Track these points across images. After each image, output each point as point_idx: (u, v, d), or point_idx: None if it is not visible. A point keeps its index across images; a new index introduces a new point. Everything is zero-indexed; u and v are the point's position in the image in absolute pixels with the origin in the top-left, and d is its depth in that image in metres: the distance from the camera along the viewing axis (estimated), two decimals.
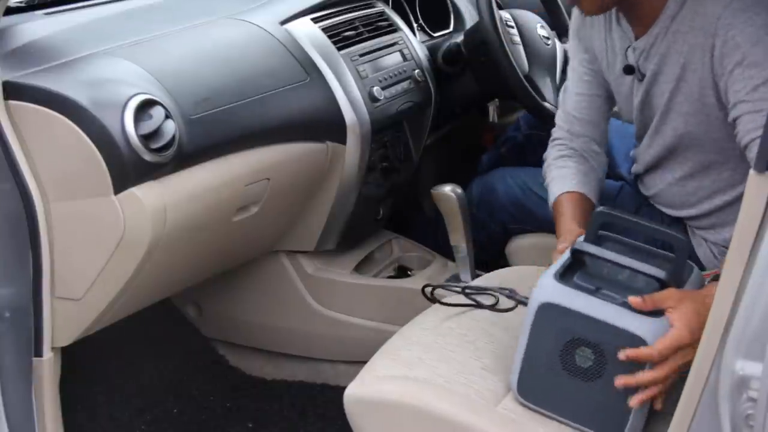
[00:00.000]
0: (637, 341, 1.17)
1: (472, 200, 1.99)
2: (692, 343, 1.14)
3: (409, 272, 2.12)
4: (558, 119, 1.78)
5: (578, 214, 1.59)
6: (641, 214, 1.75)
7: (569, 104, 1.75)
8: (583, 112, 1.73)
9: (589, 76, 1.72)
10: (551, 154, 1.76)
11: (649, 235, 1.32)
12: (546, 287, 1.25)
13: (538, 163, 1.80)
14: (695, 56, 1.46)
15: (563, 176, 1.70)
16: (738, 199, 1.52)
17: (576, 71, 1.75)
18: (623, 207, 1.74)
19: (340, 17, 2.00)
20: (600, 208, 1.32)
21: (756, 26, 1.38)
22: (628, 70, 1.60)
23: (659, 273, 1.22)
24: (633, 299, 1.19)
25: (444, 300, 1.54)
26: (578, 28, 1.73)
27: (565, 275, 1.27)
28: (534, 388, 1.28)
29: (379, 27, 2.06)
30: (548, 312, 1.24)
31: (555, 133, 1.78)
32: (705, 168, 1.60)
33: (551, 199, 1.68)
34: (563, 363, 1.23)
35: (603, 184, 1.75)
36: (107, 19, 1.73)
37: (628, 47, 1.59)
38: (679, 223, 1.71)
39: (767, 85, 1.38)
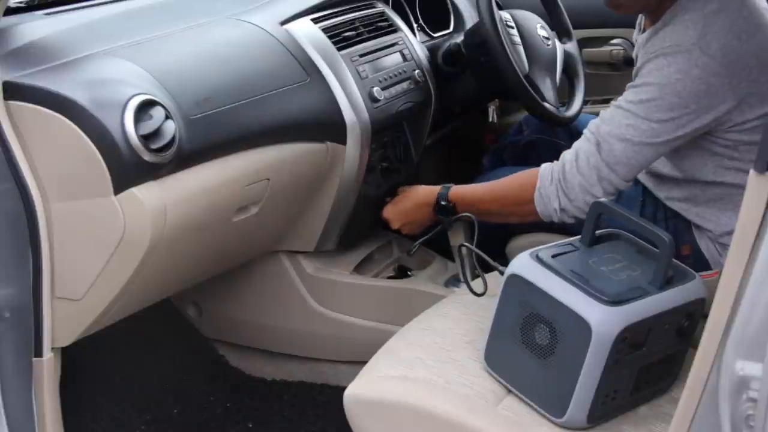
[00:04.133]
0: (583, 325, 1.19)
1: None
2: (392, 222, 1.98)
3: (409, 272, 2.12)
4: None
5: None
6: (644, 206, 1.76)
7: None
8: None
9: None
10: None
11: (636, 232, 1.34)
12: (519, 261, 1.31)
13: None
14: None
15: None
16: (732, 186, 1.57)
17: None
18: (627, 202, 1.75)
19: (340, 17, 2.00)
20: (597, 200, 1.38)
21: (662, 72, 1.53)
22: (627, 62, 1.68)
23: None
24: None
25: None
26: None
27: (548, 257, 1.30)
28: (498, 357, 1.32)
29: (379, 27, 2.06)
30: (515, 284, 1.29)
31: None
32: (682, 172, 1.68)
33: None
34: (523, 336, 1.27)
35: None
36: (107, 19, 1.73)
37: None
38: (681, 218, 1.71)
39: (618, 109, 1.59)
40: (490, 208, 1.78)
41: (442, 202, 1.83)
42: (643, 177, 1.80)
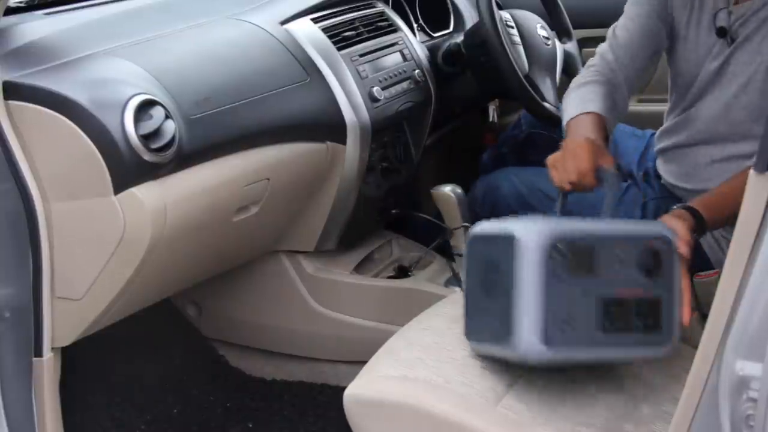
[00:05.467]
0: (511, 239, 1.20)
1: (475, 198, 2.00)
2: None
3: (409, 272, 2.12)
4: (599, 49, 1.77)
5: (598, 133, 1.54)
6: (647, 209, 1.75)
7: (618, 34, 1.73)
8: (627, 43, 1.71)
9: (648, 20, 1.69)
10: (580, 76, 1.75)
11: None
12: (479, 225, 1.33)
13: (540, 161, 1.80)
14: None
15: (587, 98, 1.66)
16: None
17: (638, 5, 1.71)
18: (629, 205, 1.74)
19: (340, 17, 2.00)
20: (612, 171, 1.39)
21: None
22: (721, 32, 1.57)
23: None
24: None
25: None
26: None
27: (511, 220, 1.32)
28: (474, 326, 1.33)
29: (379, 27, 2.06)
30: (473, 245, 1.31)
31: (591, 61, 1.78)
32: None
33: (567, 118, 1.63)
34: (485, 289, 1.27)
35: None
36: (107, 19, 1.73)
37: (722, 9, 1.56)
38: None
39: None
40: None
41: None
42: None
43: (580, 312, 1.21)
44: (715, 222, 1.41)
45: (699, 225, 1.38)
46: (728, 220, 1.41)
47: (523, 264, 1.19)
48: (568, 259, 1.19)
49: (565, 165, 1.41)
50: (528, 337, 1.19)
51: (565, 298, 1.20)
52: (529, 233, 1.21)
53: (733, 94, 1.59)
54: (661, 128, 1.82)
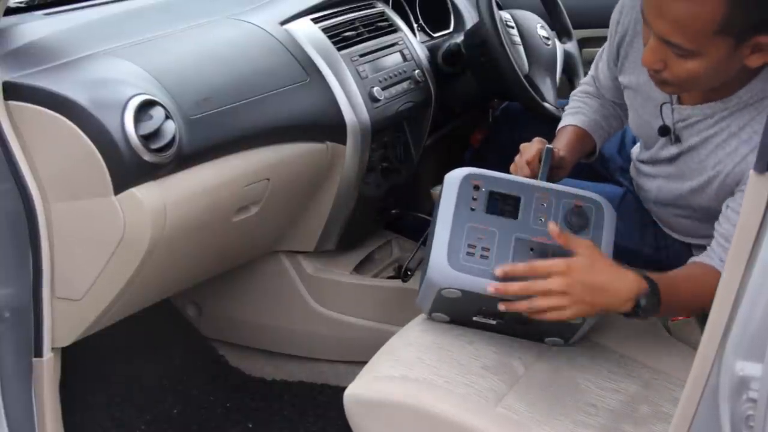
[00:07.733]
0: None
1: None
2: (567, 288, 1.26)
3: (409, 272, 2.12)
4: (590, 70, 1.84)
5: (574, 144, 1.67)
6: (646, 230, 1.71)
7: (598, 69, 1.78)
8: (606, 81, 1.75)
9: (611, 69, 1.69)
10: (579, 88, 1.83)
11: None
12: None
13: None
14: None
15: (581, 111, 1.75)
16: None
17: (605, 53, 1.73)
18: (627, 214, 1.71)
19: (340, 17, 2.00)
20: (548, 146, 1.51)
21: None
22: (663, 131, 1.49)
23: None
24: (552, 227, 1.32)
25: None
26: (625, 33, 1.58)
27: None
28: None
29: (379, 27, 2.06)
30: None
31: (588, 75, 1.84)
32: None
33: (559, 126, 1.75)
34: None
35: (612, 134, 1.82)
36: (107, 19, 1.73)
37: (666, 103, 1.47)
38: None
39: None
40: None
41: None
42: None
43: (497, 248, 1.34)
44: (671, 299, 1.30)
45: (652, 291, 1.29)
46: (686, 305, 1.38)
47: (444, 196, 1.38)
48: (492, 202, 1.36)
49: (519, 163, 1.55)
50: (436, 256, 1.34)
51: (479, 231, 1.34)
52: (455, 172, 1.41)
53: (687, 193, 1.50)
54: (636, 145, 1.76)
